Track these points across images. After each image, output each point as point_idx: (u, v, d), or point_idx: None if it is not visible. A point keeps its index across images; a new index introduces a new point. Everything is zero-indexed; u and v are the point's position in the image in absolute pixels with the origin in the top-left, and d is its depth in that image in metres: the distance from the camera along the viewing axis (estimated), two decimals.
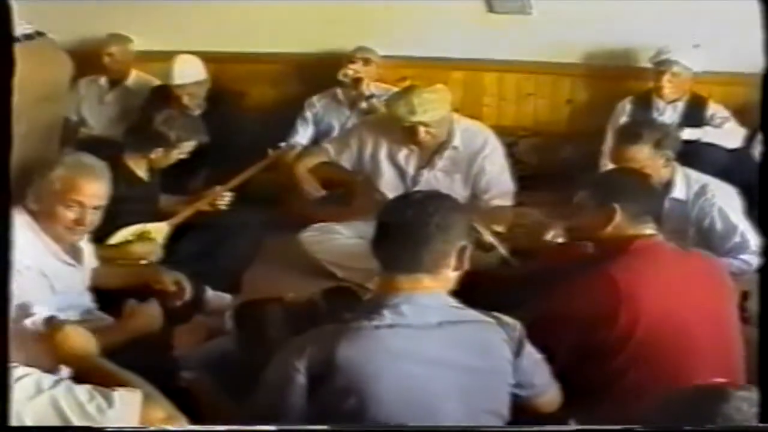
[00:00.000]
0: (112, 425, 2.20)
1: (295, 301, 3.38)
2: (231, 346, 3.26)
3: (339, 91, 6.03)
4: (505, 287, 3.83)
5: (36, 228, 3.52)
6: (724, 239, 4.25)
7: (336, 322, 2.64)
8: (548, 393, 2.78)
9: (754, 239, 4.22)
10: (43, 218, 3.53)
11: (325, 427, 2.41)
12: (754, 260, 4.09)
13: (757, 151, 5.34)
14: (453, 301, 2.63)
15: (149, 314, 3.60)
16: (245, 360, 3.06)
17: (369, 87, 5.89)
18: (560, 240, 4.11)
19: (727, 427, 2.00)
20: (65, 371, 2.48)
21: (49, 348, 2.57)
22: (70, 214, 3.55)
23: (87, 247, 3.77)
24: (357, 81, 5.88)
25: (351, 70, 5.90)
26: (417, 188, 4.71)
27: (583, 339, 2.95)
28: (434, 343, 2.54)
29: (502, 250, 4.14)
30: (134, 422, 2.23)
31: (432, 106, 4.63)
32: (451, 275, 2.63)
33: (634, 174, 3.63)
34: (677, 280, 3.03)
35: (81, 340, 2.63)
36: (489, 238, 4.14)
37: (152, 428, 2.29)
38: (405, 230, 2.58)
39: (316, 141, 5.94)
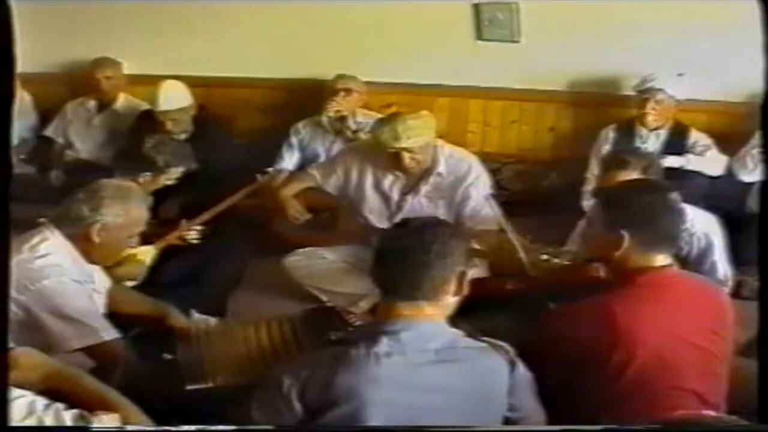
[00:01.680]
0: None
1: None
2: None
3: (324, 119, 6.06)
4: (512, 301, 3.87)
5: (72, 251, 3.48)
6: (695, 265, 4.23)
7: (327, 344, 2.68)
8: (533, 417, 2.77)
9: (723, 271, 4.28)
10: (102, 247, 3.50)
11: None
12: None
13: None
14: (451, 329, 2.65)
15: None
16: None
17: (355, 118, 5.92)
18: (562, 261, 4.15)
19: (727, 427, 2.02)
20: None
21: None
22: (131, 243, 3.63)
23: (98, 272, 3.72)
24: (341, 119, 5.93)
25: (333, 110, 5.94)
26: (401, 214, 4.72)
27: (578, 366, 2.88)
28: (432, 371, 2.55)
29: (525, 258, 4.14)
30: None
31: (416, 133, 4.62)
32: (450, 301, 2.66)
33: (654, 192, 3.15)
34: (679, 317, 2.92)
35: (30, 364, 2.61)
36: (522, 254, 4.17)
37: (151, 428, 2.32)
38: (404, 258, 2.59)
39: (301, 166, 5.94)
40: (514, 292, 3.97)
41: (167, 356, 3.21)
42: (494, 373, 2.64)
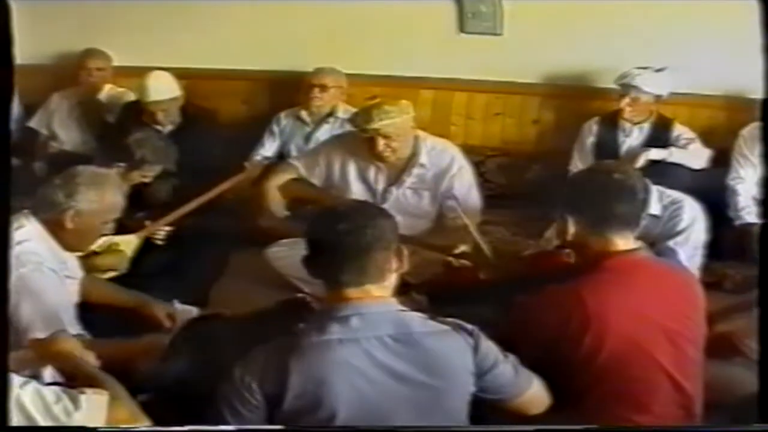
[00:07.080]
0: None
1: (239, 316, 3.36)
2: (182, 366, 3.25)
3: (303, 113, 6.07)
4: (481, 289, 3.90)
5: (47, 238, 3.50)
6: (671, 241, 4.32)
7: (289, 334, 2.65)
8: (526, 392, 2.76)
9: (690, 260, 4.30)
10: (76, 233, 3.53)
11: (280, 427, 2.45)
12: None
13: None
14: (403, 309, 2.66)
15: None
16: (195, 379, 3.07)
17: (336, 114, 5.95)
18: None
19: (725, 428, 2.04)
20: (48, 372, 2.50)
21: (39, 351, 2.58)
22: (106, 229, 3.65)
23: (72, 259, 3.73)
24: (329, 114, 6.00)
25: (315, 106, 5.99)
26: (386, 206, 4.69)
27: (548, 354, 2.88)
28: (389, 358, 2.55)
29: (487, 249, 4.22)
30: (101, 424, 2.25)
31: (389, 116, 4.60)
32: (393, 278, 2.67)
33: (594, 174, 3.23)
34: (650, 301, 2.94)
35: (69, 346, 2.66)
36: (477, 237, 4.26)
37: (156, 429, 2.32)
38: (342, 245, 2.58)
39: (280, 156, 5.97)
40: (486, 282, 3.98)
41: None
42: (455, 357, 2.63)
